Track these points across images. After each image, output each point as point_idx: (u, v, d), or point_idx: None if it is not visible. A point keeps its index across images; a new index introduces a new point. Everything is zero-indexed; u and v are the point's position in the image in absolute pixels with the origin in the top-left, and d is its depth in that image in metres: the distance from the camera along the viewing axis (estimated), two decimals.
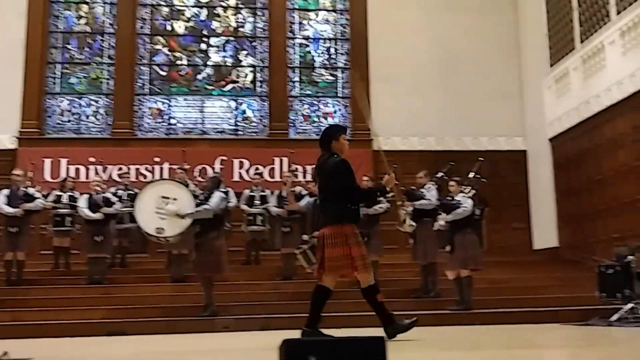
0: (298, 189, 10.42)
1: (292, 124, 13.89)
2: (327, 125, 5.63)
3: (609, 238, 10.86)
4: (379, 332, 5.14)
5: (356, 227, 5.25)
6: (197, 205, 8.06)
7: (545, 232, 13.13)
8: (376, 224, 9.75)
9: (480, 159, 9.49)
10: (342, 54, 14.30)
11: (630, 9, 10.54)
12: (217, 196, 8.13)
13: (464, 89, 13.78)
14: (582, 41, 12.00)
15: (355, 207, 5.29)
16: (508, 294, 9.39)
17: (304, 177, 12.39)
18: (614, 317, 7.24)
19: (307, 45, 14.34)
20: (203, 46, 14.08)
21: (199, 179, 10.79)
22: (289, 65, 14.10)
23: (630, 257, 7.53)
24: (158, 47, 13.95)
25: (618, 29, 10.80)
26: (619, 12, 10.89)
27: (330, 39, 14.38)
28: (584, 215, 11.87)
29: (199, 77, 13.94)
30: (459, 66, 13.87)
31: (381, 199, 9.74)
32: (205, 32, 14.14)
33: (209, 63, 14.01)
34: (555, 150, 13.01)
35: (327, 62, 14.29)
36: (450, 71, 13.85)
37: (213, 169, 12.51)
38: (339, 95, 14.17)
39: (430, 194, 9.20)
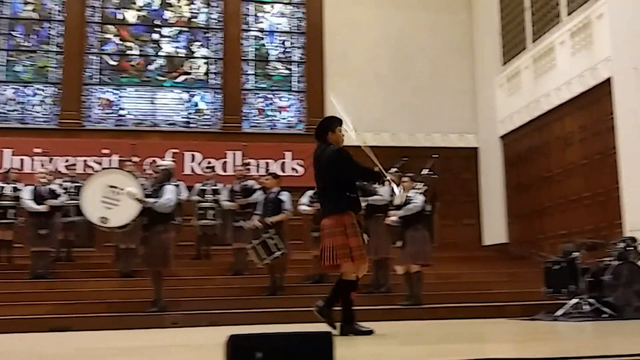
0: (250, 183, 10.31)
1: (245, 118, 13.75)
2: (324, 117, 5.75)
3: (556, 234, 11.10)
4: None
5: (355, 216, 5.29)
6: (146, 197, 7.89)
7: (494, 228, 13.34)
8: None
9: (434, 155, 9.56)
10: (297, 47, 14.21)
11: (579, 11, 10.75)
12: (170, 190, 7.96)
13: (418, 85, 13.88)
14: (533, 41, 12.20)
15: (354, 194, 5.34)
16: (457, 289, 9.49)
17: (257, 171, 12.28)
18: (559, 312, 7.39)
19: (262, 38, 14.19)
20: (155, 36, 13.80)
21: (149, 171, 10.56)
22: (244, 57, 13.94)
23: (575, 254, 7.69)
24: (108, 36, 13.61)
25: (568, 30, 11.01)
26: (569, 14, 11.10)
27: (285, 32, 14.27)
28: (532, 212, 12.09)
29: (151, 67, 13.66)
30: (413, 62, 13.96)
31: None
32: (157, 22, 13.87)
33: (161, 53, 13.74)
34: (506, 148, 13.22)
35: (282, 56, 14.18)
36: (404, 67, 13.92)
37: None
38: (293, 89, 14.08)
39: (384, 189, 9.23)
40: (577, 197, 10.72)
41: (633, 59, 8.90)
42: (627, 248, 7.61)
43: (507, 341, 4.77)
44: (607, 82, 9.74)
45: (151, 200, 7.79)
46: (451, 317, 7.97)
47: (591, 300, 7.31)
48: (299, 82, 14.08)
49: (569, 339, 4.94)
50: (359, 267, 5.32)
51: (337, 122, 5.56)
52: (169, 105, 13.55)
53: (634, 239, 7.73)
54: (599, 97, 10.12)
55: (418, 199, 8.58)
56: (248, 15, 14.16)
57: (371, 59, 13.86)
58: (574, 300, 7.42)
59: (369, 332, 5.28)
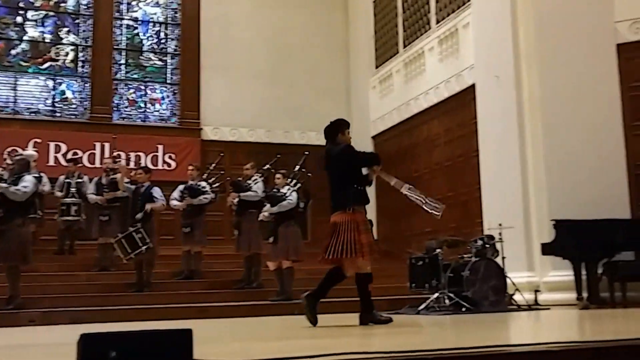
0: (119, 176, 9.94)
1: (116, 109, 13.24)
2: (335, 119, 6.08)
3: (422, 232, 11.55)
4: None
5: (365, 213, 5.71)
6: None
7: None
8: (201, 214, 9.60)
9: (305, 152, 9.66)
10: (172, 39, 13.88)
11: (448, 19, 11.27)
12: (29, 180, 7.52)
13: (294, 83, 13.98)
14: (405, 46, 12.64)
15: (362, 188, 5.73)
16: None
17: (127, 163, 11.86)
18: (422, 306, 7.71)
19: (136, 28, 13.74)
20: (19, 19, 12.96)
21: (8, 161, 9.90)
22: (115, 46, 13.42)
23: (438, 250, 8.04)
24: None
25: (437, 37, 11.51)
26: (438, 22, 11.61)
27: (160, 23, 13.89)
28: (401, 210, 12.51)
29: (13, 52, 12.83)
30: (289, 60, 14.04)
31: (206, 188, 9.62)
32: (21, 5, 13.02)
33: (25, 38, 12.94)
34: (377, 148, 13.57)
35: (156, 47, 13.79)
36: (281, 65, 13.97)
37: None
38: (168, 81, 13.73)
39: (257, 186, 9.23)
40: (442, 196, 11.17)
41: (494, 67, 9.44)
42: (485, 245, 8.06)
43: (367, 335, 4.91)
44: (472, 88, 10.26)
45: (4, 185, 7.33)
46: (322, 312, 8.05)
47: (451, 295, 7.68)
48: (173, 74, 13.76)
49: (426, 332, 5.16)
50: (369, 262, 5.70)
51: (347, 125, 6.00)
52: (32, 92, 12.78)
53: (491, 237, 8.19)
54: (463, 102, 10.65)
55: (292, 196, 8.64)
56: (121, 3, 13.65)
57: (248, 55, 13.79)
58: (436, 295, 7.77)
59: (387, 321, 5.66)
